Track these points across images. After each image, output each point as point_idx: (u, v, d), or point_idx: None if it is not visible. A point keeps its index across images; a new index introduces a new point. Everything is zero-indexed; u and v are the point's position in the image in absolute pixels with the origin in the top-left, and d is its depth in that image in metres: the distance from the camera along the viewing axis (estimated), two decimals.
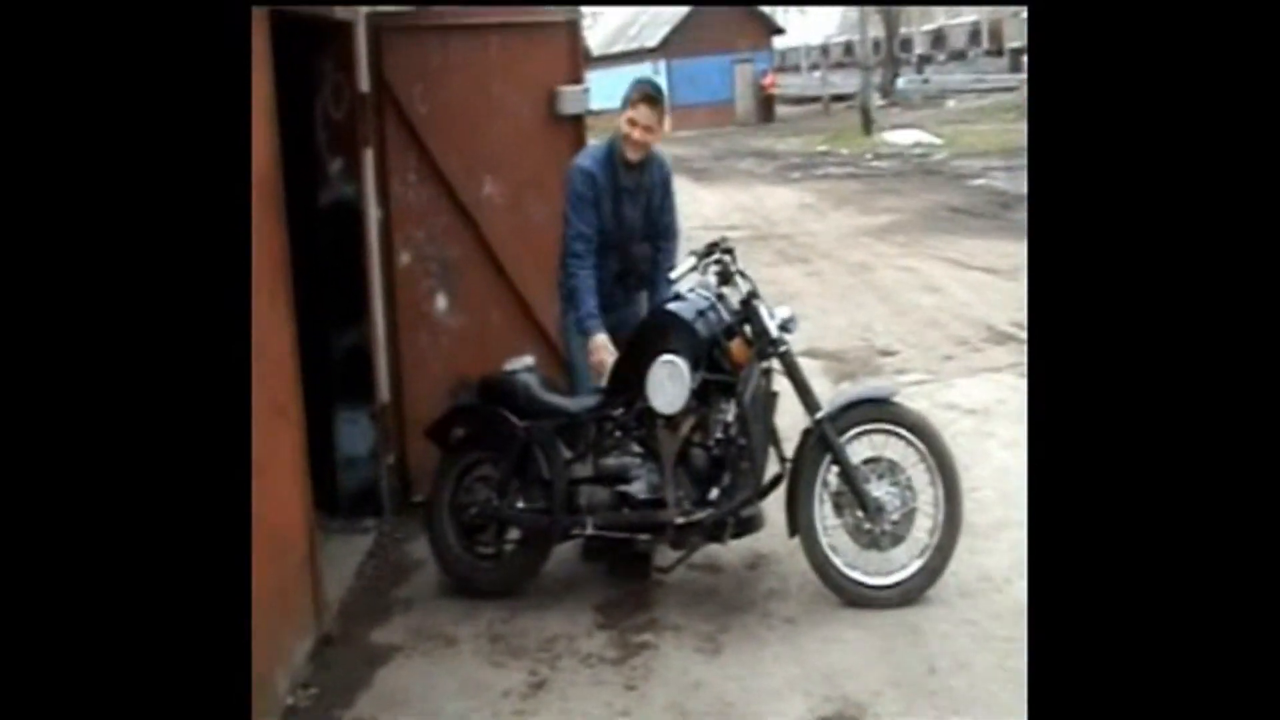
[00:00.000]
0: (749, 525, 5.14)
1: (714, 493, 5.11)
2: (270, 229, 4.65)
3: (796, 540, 5.11)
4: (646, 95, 5.46)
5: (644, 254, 5.71)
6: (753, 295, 5.20)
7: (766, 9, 54.68)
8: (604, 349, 5.35)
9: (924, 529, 5.04)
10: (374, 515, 6.36)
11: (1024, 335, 9.68)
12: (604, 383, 5.31)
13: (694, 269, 5.30)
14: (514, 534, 5.44)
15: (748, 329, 5.15)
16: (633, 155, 5.49)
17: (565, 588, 5.43)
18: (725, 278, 5.26)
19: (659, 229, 5.75)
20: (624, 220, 5.55)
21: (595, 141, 5.77)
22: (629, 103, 5.43)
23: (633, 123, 5.40)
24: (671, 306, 5.22)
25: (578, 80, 6.57)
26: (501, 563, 5.47)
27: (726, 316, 5.16)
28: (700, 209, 20.83)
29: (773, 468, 5.19)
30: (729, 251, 5.30)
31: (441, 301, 6.48)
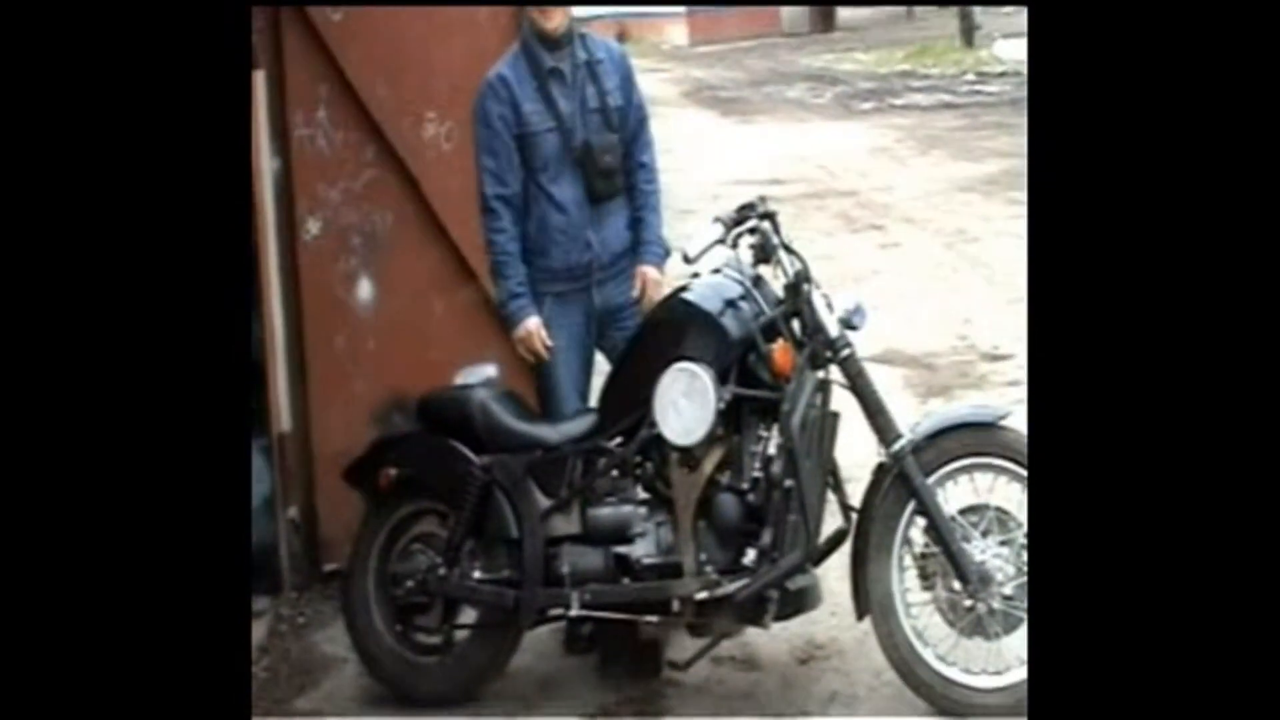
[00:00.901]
0: (799, 602, 5.02)
1: (750, 556, 5.00)
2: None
3: (867, 623, 5.08)
4: None
5: (614, 157, 5.60)
6: (803, 278, 5.08)
7: None
8: (534, 337, 5.35)
9: None
10: (269, 592, 6.37)
11: None
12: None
13: (721, 241, 5.11)
14: (468, 616, 5.37)
15: (796, 325, 5.06)
16: (548, 23, 5.48)
17: (541, 691, 5.42)
18: (765, 254, 5.16)
19: (628, 152, 5.69)
20: (562, 115, 5.50)
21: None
22: None
23: None
24: (689, 294, 5.12)
25: None
26: (451, 658, 5.40)
27: (766, 308, 5.06)
28: (734, 156, 20.88)
29: (833, 520, 5.13)
30: (770, 217, 5.21)
31: (365, 288, 6.46)
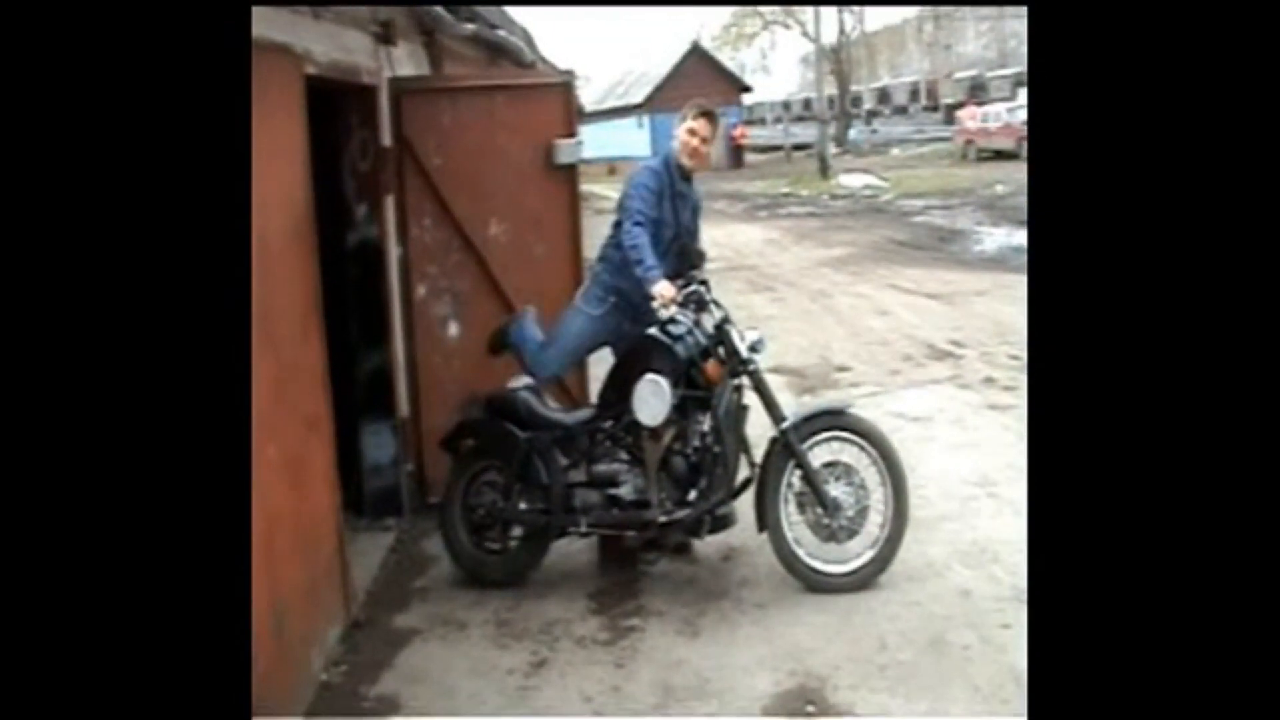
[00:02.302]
0: (723, 522, 5.07)
1: (692, 494, 5.04)
2: (304, 265, 4.63)
3: (765, 535, 5.07)
4: (705, 110, 5.40)
5: (695, 253, 5.45)
6: (725, 321, 5.12)
7: (735, 70, 54.78)
8: (666, 289, 4.97)
9: (875, 523, 5.02)
10: (395, 515, 6.30)
11: (960, 352, 9.70)
12: (666, 314, 4.99)
13: (684, 288, 5.16)
14: (517, 531, 5.36)
15: (721, 350, 5.07)
16: (690, 163, 5.37)
17: (563, 578, 5.37)
18: (701, 306, 5.19)
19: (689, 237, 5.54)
20: (680, 220, 5.41)
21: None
22: (690, 115, 5.34)
23: (693, 133, 5.31)
24: (654, 332, 5.11)
25: (571, 134, 6.53)
26: (507, 556, 5.39)
27: (703, 340, 5.08)
28: None
29: (744, 472, 5.14)
30: (704, 284, 5.23)
31: (453, 328, 6.43)
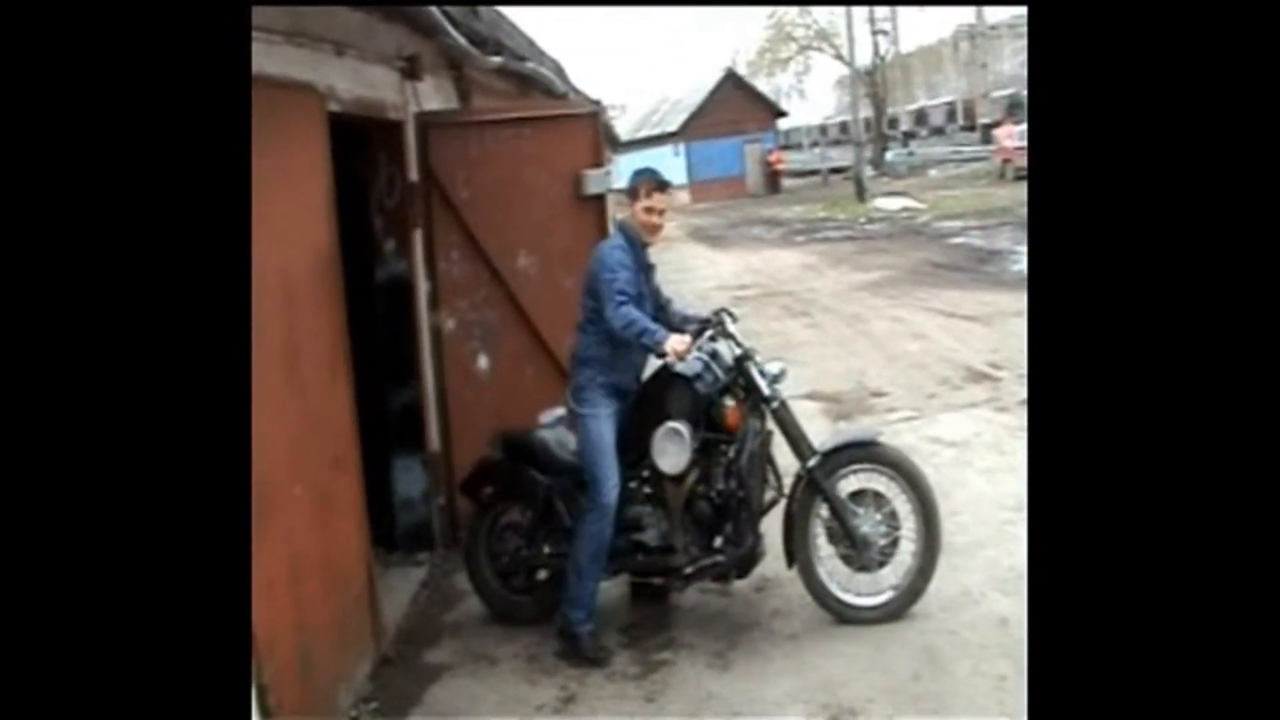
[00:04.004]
0: (750, 565, 5.01)
1: (718, 540, 4.94)
2: (330, 303, 4.65)
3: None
4: (660, 182, 5.12)
5: (653, 312, 5.24)
6: (744, 358, 4.97)
7: (771, 94, 54.88)
8: (680, 342, 4.74)
9: (909, 551, 4.95)
10: (427, 550, 6.31)
11: (997, 374, 9.59)
12: (684, 367, 4.87)
13: (698, 334, 5.02)
14: (544, 573, 5.31)
15: (741, 388, 4.96)
16: (651, 238, 5.13)
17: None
18: (716, 340, 5.08)
19: (659, 305, 5.31)
20: (646, 294, 5.16)
21: (613, 231, 5.36)
22: (644, 192, 5.00)
23: (650, 210, 5.00)
24: (671, 367, 4.95)
25: (599, 164, 6.55)
26: (535, 597, 5.33)
27: (721, 375, 4.95)
28: (717, 271, 20.84)
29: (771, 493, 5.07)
30: (721, 321, 5.13)
31: (483, 361, 6.43)
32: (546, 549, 5.24)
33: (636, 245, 5.05)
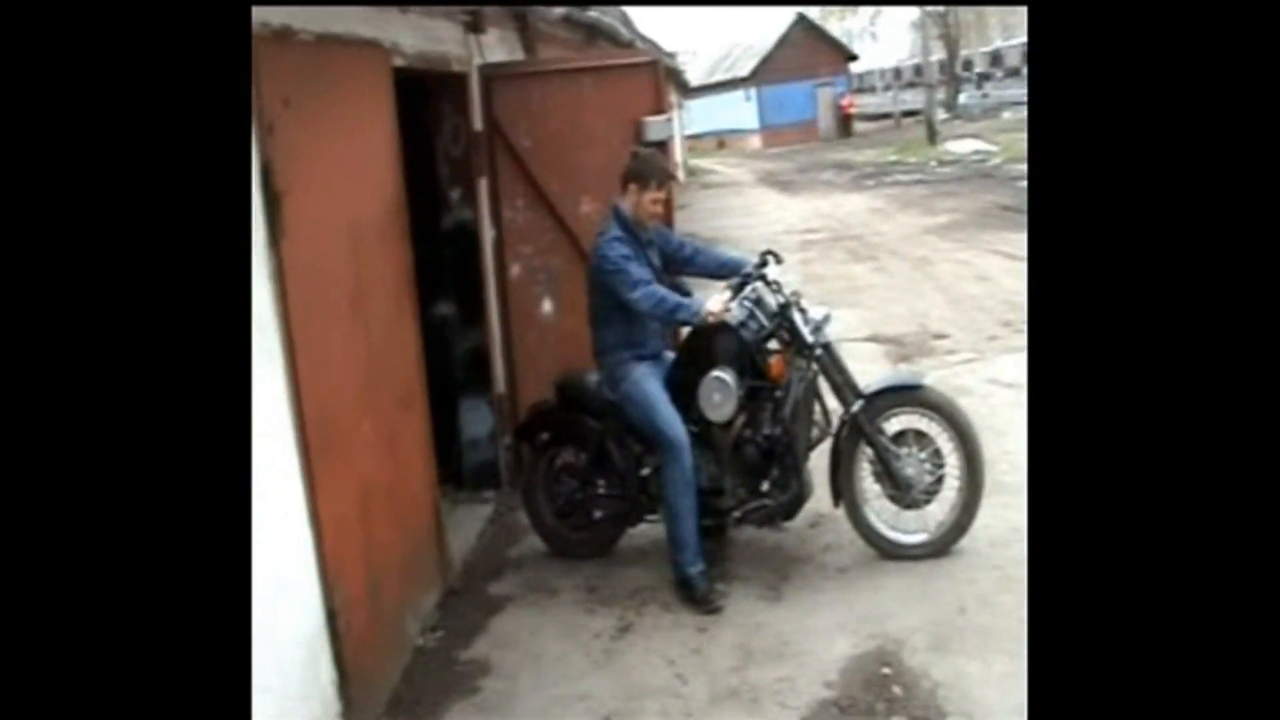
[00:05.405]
0: (796, 508, 5.09)
1: (765, 485, 5.04)
2: (397, 249, 4.79)
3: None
4: (670, 175, 5.28)
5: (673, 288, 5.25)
6: (787, 305, 5.02)
7: (843, 37, 54.09)
8: (716, 303, 4.81)
9: (953, 488, 5.02)
10: (493, 488, 6.49)
11: None
12: (730, 318, 4.90)
13: (739, 287, 5.04)
14: (599, 513, 5.45)
15: (785, 334, 5.01)
16: (652, 224, 5.19)
17: (653, 545, 5.43)
18: (763, 282, 5.12)
19: (686, 256, 5.35)
20: (655, 268, 5.14)
21: (609, 219, 5.16)
22: (655, 184, 5.05)
23: (655, 201, 5.08)
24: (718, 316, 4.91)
25: (660, 111, 6.59)
26: (592, 534, 5.48)
27: (766, 323, 5.00)
28: (785, 215, 20.78)
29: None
30: (764, 265, 5.16)
31: (547, 305, 6.55)
32: (601, 489, 5.38)
33: (633, 229, 5.08)
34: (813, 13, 54.15)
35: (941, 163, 28.53)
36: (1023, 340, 8.92)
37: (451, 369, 6.39)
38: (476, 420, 6.49)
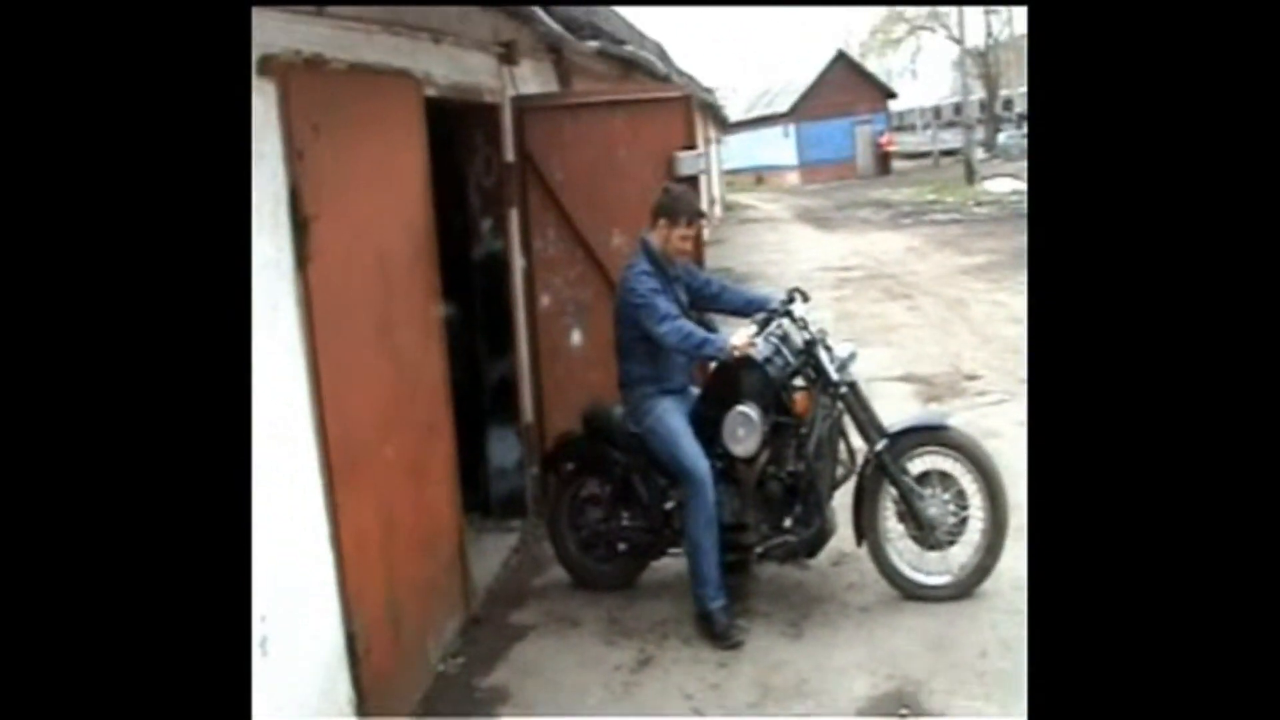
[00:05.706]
0: (819, 544, 5.07)
1: (788, 521, 5.03)
2: (425, 280, 4.84)
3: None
4: (699, 213, 5.27)
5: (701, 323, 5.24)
6: (813, 342, 4.99)
7: (882, 75, 54.18)
8: (741, 337, 4.82)
9: (977, 530, 4.98)
10: (519, 517, 6.51)
11: None
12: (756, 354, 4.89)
13: (765, 323, 5.05)
14: (623, 545, 5.44)
15: (811, 371, 4.99)
16: (682, 260, 5.22)
17: (676, 579, 5.40)
18: (792, 321, 5.10)
19: (713, 294, 5.37)
20: (682, 302, 5.16)
21: (637, 253, 5.17)
22: (685, 221, 5.05)
23: (685, 238, 5.09)
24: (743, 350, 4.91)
25: (691, 146, 6.64)
26: (616, 565, 5.48)
27: (792, 360, 4.98)
28: (821, 252, 20.77)
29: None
30: (790, 301, 5.15)
31: (576, 336, 6.58)
32: (625, 522, 5.37)
33: (661, 264, 5.07)
34: (852, 49, 54.31)
35: (979, 203, 28.44)
36: None
37: (480, 398, 6.42)
38: (504, 449, 6.51)
